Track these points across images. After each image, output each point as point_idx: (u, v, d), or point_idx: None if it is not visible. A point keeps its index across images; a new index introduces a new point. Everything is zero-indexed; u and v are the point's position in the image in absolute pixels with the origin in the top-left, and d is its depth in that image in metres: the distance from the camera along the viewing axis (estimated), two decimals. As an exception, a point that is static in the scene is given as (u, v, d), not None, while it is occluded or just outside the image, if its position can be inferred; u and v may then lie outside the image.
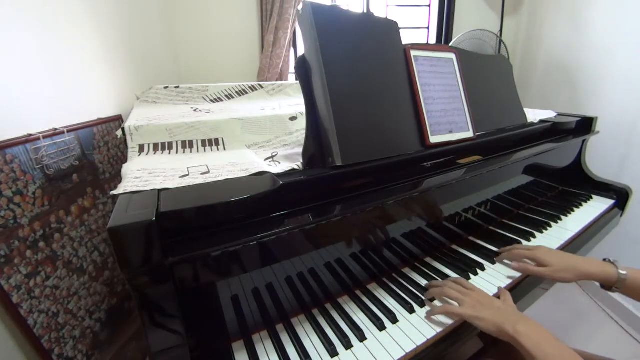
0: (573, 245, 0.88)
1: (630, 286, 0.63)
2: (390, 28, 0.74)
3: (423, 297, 0.66)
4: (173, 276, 0.46)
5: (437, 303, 0.64)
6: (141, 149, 0.74)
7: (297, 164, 0.64)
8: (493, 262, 0.77)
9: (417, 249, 0.78)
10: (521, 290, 0.71)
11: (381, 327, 0.59)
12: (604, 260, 0.68)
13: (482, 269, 0.75)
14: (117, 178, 1.07)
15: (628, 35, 1.44)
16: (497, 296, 0.65)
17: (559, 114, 1.18)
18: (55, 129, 0.83)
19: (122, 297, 1.06)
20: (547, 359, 0.47)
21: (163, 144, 0.75)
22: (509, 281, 0.71)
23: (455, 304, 0.61)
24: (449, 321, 0.60)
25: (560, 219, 0.97)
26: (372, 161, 0.65)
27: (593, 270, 0.65)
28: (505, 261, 0.75)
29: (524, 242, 0.85)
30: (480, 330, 0.56)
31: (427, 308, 0.64)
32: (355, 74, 0.66)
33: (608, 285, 0.65)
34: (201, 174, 0.59)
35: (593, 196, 1.12)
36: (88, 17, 1.05)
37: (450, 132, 0.79)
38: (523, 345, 0.49)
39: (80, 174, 0.92)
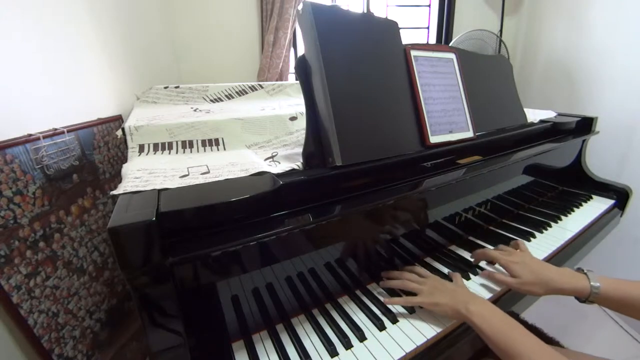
0: (573, 245, 0.88)
1: (606, 298, 0.60)
2: (390, 28, 0.74)
3: (380, 287, 0.69)
4: (173, 276, 0.46)
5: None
6: (141, 149, 0.74)
7: (297, 164, 0.64)
8: (492, 263, 0.77)
9: (416, 249, 0.78)
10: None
11: (381, 327, 0.59)
12: (578, 269, 0.64)
13: (482, 269, 0.75)
14: (117, 178, 1.07)
15: (628, 36, 1.44)
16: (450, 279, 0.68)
17: (559, 114, 1.18)
18: (55, 129, 0.83)
19: (122, 297, 1.06)
20: (495, 332, 0.51)
21: (163, 144, 0.75)
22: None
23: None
24: (447, 322, 0.60)
25: (560, 219, 0.97)
26: (372, 161, 0.65)
27: (565, 285, 0.62)
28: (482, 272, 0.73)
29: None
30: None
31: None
32: (355, 74, 0.66)
33: (582, 298, 0.62)
34: (201, 174, 0.59)
35: (593, 196, 1.12)
36: (88, 17, 1.05)
37: (450, 132, 0.79)
38: (474, 323, 0.53)
39: (80, 174, 0.92)
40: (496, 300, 0.68)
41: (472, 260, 0.77)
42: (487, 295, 0.67)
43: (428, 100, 0.76)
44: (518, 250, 0.73)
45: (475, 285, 0.70)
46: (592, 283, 0.60)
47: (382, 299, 0.65)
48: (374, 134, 0.66)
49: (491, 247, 0.82)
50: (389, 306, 0.64)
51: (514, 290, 0.66)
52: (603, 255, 1.28)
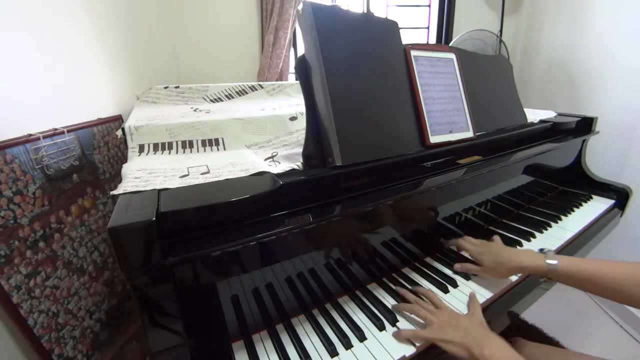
0: (573, 245, 0.88)
1: (566, 275, 0.62)
2: (390, 28, 0.74)
3: (392, 310, 0.64)
4: (173, 276, 0.46)
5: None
6: (141, 149, 0.74)
7: (297, 164, 0.64)
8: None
9: (416, 249, 0.78)
10: (521, 290, 0.71)
11: (381, 327, 0.59)
12: (540, 251, 0.69)
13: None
14: (117, 178, 1.07)
15: (628, 36, 1.44)
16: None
17: (559, 114, 1.18)
18: (55, 129, 0.83)
19: (122, 297, 1.06)
20: None
21: (163, 144, 0.75)
22: (508, 282, 0.71)
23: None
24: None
25: (560, 219, 0.97)
26: (372, 161, 0.65)
27: (525, 264, 0.65)
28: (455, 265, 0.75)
29: (524, 242, 0.85)
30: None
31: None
32: (355, 74, 0.66)
33: (542, 276, 0.65)
34: (201, 174, 0.59)
35: (593, 196, 1.12)
36: (88, 17, 1.05)
37: (450, 132, 0.79)
38: None
39: (80, 174, 0.92)
40: (495, 301, 0.68)
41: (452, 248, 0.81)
42: (488, 295, 0.67)
43: (428, 100, 0.76)
44: (490, 241, 0.76)
45: (475, 286, 0.70)
46: (547, 260, 0.63)
47: (389, 306, 0.65)
48: (374, 134, 0.66)
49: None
50: (391, 308, 0.64)
51: (482, 275, 0.70)
52: (603, 255, 1.28)
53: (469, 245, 0.75)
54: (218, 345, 0.56)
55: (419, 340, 0.57)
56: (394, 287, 0.70)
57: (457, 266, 0.74)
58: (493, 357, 0.49)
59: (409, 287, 0.70)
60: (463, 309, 0.63)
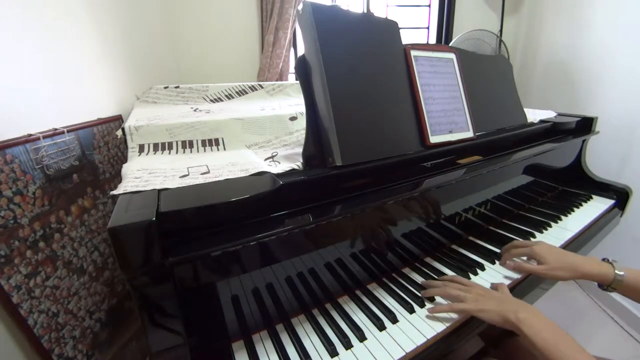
0: (573, 245, 0.88)
1: (628, 287, 0.63)
2: (390, 28, 0.74)
3: (422, 296, 0.66)
4: (173, 276, 0.46)
5: (439, 302, 0.64)
6: (141, 149, 0.74)
7: (297, 164, 0.64)
8: (493, 262, 0.77)
9: (417, 249, 0.78)
10: (521, 289, 0.71)
11: (381, 327, 0.59)
12: (603, 260, 0.68)
13: (482, 268, 0.75)
14: (117, 178, 1.07)
15: (628, 35, 1.44)
16: (494, 289, 0.66)
17: (559, 114, 1.18)
18: (55, 129, 0.83)
19: (122, 297, 1.06)
20: (546, 345, 0.49)
21: (163, 144, 0.75)
22: (509, 281, 0.71)
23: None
24: (448, 321, 0.60)
25: (560, 219, 0.97)
26: (372, 161, 0.65)
27: (590, 270, 0.66)
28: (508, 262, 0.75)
29: (524, 242, 0.85)
30: (481, 330, 0.56)
31: (427, 307, 0.64)
32: (355, 73, 0.66)
33: (605, 284, 0.65)
34: (201, 174, 0.59)
35: (593, 196, 1.12)
36: (88, 17, 1.05)
37: (450, 132, 0.79)
38: (523, 332, 0.51)
39: (80, 174, 0.92)
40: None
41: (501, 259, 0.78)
42: None
43: (428, 100, 0.76)
44: (537, 241, 0.77)
45: (481, 280, 0.70)
46: (616, 271, 0.64)
47: (389, 301, 0.65)
48: (374, 134, 0.66)
49: (491, 247, 0.82)
50: (390, 308, 0.64)
51: (543, 276, 0.69)
52: (603, 255, 1.28)
53: (521, 250, 0.74)
54: (218, 345, 0.56)
55: (455, 312, 0.60)
56: (419, 281, 0.71)
57: (510, 264, 0.73)
58: (528, 319, 0.52)
59: (420, 281, 0.71)
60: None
